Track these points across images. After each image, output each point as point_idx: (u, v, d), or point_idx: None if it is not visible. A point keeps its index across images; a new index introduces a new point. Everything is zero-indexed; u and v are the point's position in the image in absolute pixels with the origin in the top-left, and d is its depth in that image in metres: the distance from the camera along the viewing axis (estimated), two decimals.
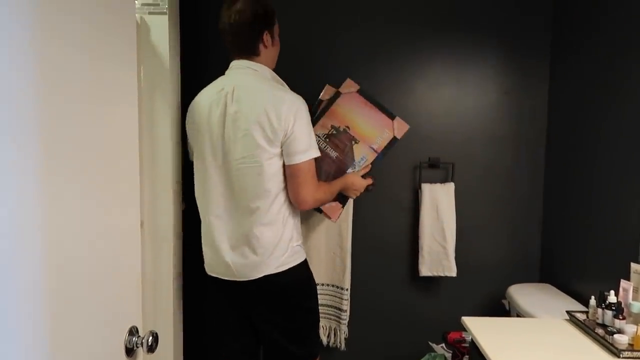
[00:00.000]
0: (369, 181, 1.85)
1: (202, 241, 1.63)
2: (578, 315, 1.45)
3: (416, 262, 2.11)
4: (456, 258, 2.06)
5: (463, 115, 2.14)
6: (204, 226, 1.62)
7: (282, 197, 1.53)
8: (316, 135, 1.70)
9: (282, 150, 1.49)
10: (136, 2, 1.63)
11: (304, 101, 1.53)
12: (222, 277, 1.59)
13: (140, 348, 1.01)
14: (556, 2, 2.08)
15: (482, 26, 2.10)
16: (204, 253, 1.64)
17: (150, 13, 1.66)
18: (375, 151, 1.86)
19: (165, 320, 1.79)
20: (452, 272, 2.06)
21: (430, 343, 2.02)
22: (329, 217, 1.88)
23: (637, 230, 1.47)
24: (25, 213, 0.68)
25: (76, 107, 0.80)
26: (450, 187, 2.08)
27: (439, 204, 2.06)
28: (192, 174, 1.65)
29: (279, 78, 1.63)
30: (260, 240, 1.51)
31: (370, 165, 1.86)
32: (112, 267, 0.95)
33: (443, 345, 1.99)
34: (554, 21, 2.09)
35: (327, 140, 1.84)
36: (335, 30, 2.12)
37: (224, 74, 1.60)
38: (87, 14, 0.83)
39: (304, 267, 1.62)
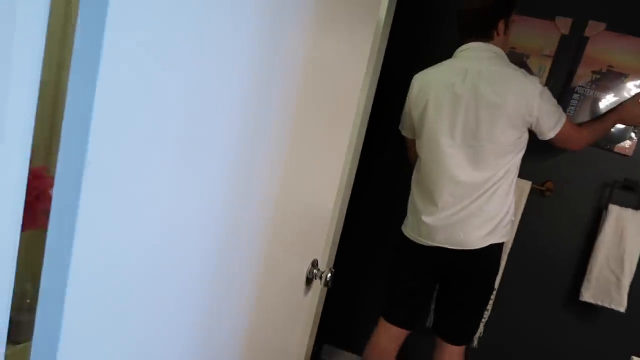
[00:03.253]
0: None
1: None
2: None
3: (578, 284, 1.95)
4: (629, 293, 1.86)
5: None
6: (418, 191, 1.71)
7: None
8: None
9: (529, 130, 1.58)
10: None
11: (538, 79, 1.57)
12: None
13: (318, 280, 1.13)
14: None
15: None
16: None
17: None
18: (550, 56, 1.93)
19: (322, 262, 1.93)
20: (621, 306, 1.86)
21: None
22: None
23: None
24: (276, 153, 0.80)
25: (324, 82, 0.89)
26: None
27: (625, 230, 1.86)
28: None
29: None
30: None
31: None
32: (313, 204, 1.06)
33: None
34: None
35: None
36: None
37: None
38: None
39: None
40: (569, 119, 1.61)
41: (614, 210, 1.88)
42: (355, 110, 1.13)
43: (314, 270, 1.12)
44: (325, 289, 2.12)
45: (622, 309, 1.86)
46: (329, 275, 1.10)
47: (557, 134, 1.58)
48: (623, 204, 1.90)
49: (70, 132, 0.43)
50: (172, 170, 0.56)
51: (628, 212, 1.87)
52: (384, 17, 1.75)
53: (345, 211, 2.01)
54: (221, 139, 0.64)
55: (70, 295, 0.45)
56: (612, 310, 1.90)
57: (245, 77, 0.65)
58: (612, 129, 1.86)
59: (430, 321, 2.11)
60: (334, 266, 2.14)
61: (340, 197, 1.88)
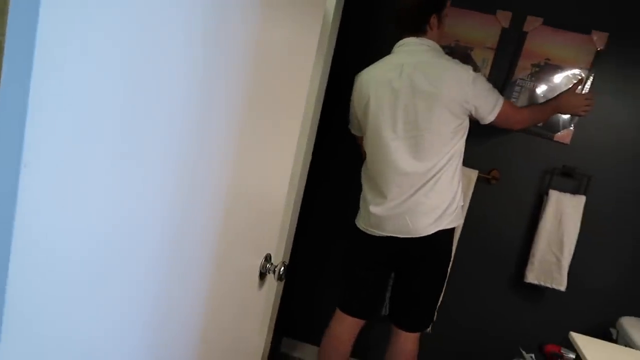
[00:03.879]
0: (587, 96, 1.84)
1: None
2: None
3: (523, 267, 2.05)
4: (569, 273, 1.97)
5: (617, 128, 1.98)
6: (367, 184, 1.76)
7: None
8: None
9: (469, 117, 1.64)
10: None
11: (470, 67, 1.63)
12: None
13: (271, 275, 1.13)
14: None
15: None
16: None
17: None
18: (492, 48, 2.02)
19: (278, 256, 1.94)
20: (562, 286, 1.98)
21: (521, 349, 1.98)
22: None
23: None
24: (225, 147, 0.79)
25: (271, 75, 0.89)
26: (580, 200, 1.97)
27: (563, 214, 1.97)
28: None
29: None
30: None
31: (582, 80, 1.90)
32: (264, 198, 1.06)
33: (533, 355, 1.94)
34: None
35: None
36: None
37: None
38: None
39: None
40: (508, 101, 1.69)
41: (553, 195, 1.98)
42: (304, 103, 1.14)
43: (267, 265, 1.12)
44: (283, 283, 2.12)
45: (563, 288, 1.98)
46: (282, 269, 1.11)
47: (497, 117, 1.65)
48: (562, 189, 2.01)
49: (5, 131, 0.41)
50: (112, 167, 0.55)
51: (566, 197, 1.98)
52: (332, 13, 1.76)
53: (299, 206, 2.02)
54: (164, 134, 0.63)
55: (9, 297, 0.44)
56: (554, 289, 2.01)
57: (188, 68, 0.64)
58: (556, 120, 1.98)
59: (385, 310, 2.16)
60: (291, 260, 2.15)
61: (294, 192, 1.89)
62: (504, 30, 2.03)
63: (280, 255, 1.87)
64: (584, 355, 1.26)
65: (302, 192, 2.01)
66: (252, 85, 0.83)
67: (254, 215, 1.02)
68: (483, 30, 2.04)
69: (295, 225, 2.03)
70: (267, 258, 1.14)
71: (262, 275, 1.13)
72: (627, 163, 1.98)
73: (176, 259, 0.74)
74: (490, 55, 2.05)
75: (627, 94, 1.95)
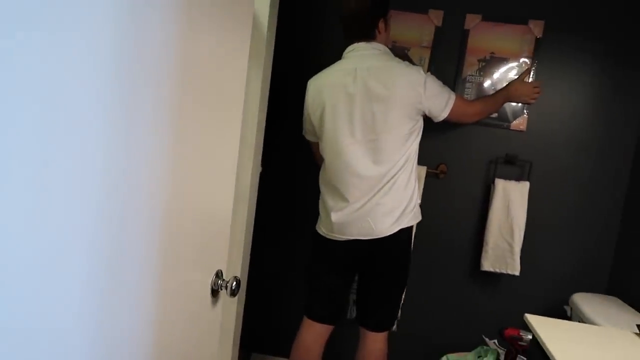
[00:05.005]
0: (535, 84, 1.92)
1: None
2: None
3: (479, 256, 2.10)
4: (521, 257, 2.04)
5: (548, 114, 2.07)
6: (326, 189, 1.76)
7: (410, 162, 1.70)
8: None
9: (424, 115, 1.68)
10: None
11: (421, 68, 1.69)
12: None
13: (224, 290, 1.11)
14: None
15: (583, 24, 2.02)
16: None
17: None
18: (428, 47, 2.07)
19: (235, 270, 1.90)
20: (516, 270, 2.04)
21: (483, 337, 2.03)
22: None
23: None
24: (156, 167, 0.77)
25: (200, 78, 0.87)
26: (524, 185, 2.04)
27: (510, 201, 2.04)
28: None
29: None
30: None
31: (531, 69, 1.99)
32: (209, 212, 1.04)
33: (496, 341, 1.98)
34: None
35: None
36: None
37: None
38: None
39: None
40: (459, 97, 1.74)
41: (499, 183, 2.05)
42: (240, 112, 1.12)
43: (219, 281, 1.10)
44: (244, 297, 2.08)
45: (517, 273, 2.04)
46: (234, 284, 1.08)
47: (450, 113, 1.69)
48: (507, 177, 2.08)
49: None
50: (26, 188, 0.52)
51: (511, 184, 2.04)
52: (266, 23, 1.76)
53: (254, 217, 1.99)
54: (82, 150, 0.60)
55: None
56: (509, 275, 2.07)
57: (105, 75, 0.62)
58: (508, 109, 2.07)
59: (351, 313, 2.16)
60: (252, 273, 2.12)
61: (245, 203, 1.86)
62: (437, 28, 2.09)
63: (235, 270, 1.83)
64: (538, 335, 1.30)
65: (254, 203, 1.98)
66: (180, 97, 0.81)
67: (199, 232, 0.99)
68: (417, 30, 2.10)
69: (250, 237, 2.00)
70: (218, 274, 1.11)
71: (215, 292, 1.10)
72: (569, 146, 2.07)
73: (113, 289, 0.71)
74: (426, 54, 2.10)
75: (566, 79, 2.05)
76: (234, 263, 1.89)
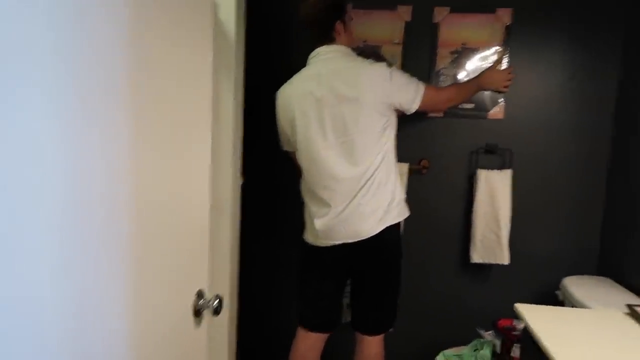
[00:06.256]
0: (508, 71, 1.94)
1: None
2: (639, 309, 1.40)
3: (468, 248, 2.10)
4: (510, 247, 2.04)
5: (524, 100, 2.08)
6: (308, 197, 1.75)
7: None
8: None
9: (396, 111, 1.67)
10: None
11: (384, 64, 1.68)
12: None
13: (207, 310, 1.08)
14: None
15: (550, 7, 2.02)
16: None
17: None
18: (399, 44, 2.07)
19: (223, 287, 1.87)
20: (505, 260, 2.03)
21: (478, 330, 2.02)
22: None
23: None
24: (117, 179, 0.74)
25: (160, 82, 0.85)
26: (507, 174, 2.04)
27: (494, 191, 2.03)
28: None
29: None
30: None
31: (502, 57, 2.00)
32: (185, 232, 1.01)
33: (492, 332, 1.98)
34: (630, 5, 1.97)
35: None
36: None
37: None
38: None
39: None
40: (428, 86, 1.73)
41: (482, 174, 2.05)
42: (209, 124, 1.10)
43: (201, 301, 1.07)
44: (241, 312, 2.06)
45: (507, 262, 2.04)
46: (216, 303, 1.06)
47: (421, 103, 1.68)
48: (489, 166, 2.08)
49: None
50: None
51: (494, 174, 2.04)
52: (234, 35, 1.74)
53: (238, 231, 1.97)
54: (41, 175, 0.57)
55: None
56: (499, 265, 2.06)
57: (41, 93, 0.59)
58: (485, 98, 2.08)
59: (346, 318, 2.15)
60: (243, 288, 2.09)
61: (227, 218, 1.84)
62: (407, 23, 2.08)
63: (222, 287, 1.81)
64: (528, 324, 1.29)
65: (238, 216, 1.95)
66: (144, 110, 0.79)
67: (175, 252, 0.97)
68: (388, 28, 2.09)
69: (237, 251, 1.98)
70: (200, 294, 1.08)
71: (198, 313, 1.08)
72: (545, 132, 2.08)
73: (89, 318, 0.69)
74: (398, 50, 2.09)
75: (539, 64, 2.05)
76: (221, 279, 1.87)
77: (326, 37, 1.68)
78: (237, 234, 1.95)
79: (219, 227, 1.87)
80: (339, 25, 1.68)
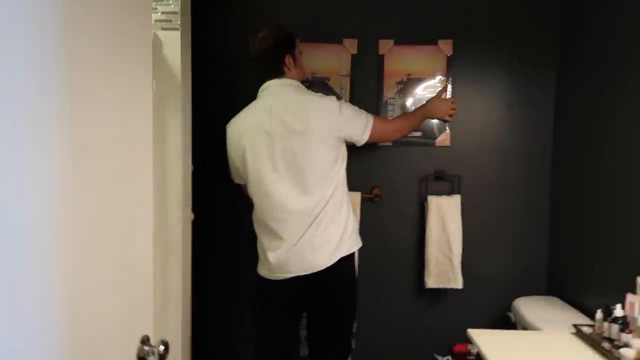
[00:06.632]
0: (452, 100, 2.00)
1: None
2: (584, 329, 1.45)
3: (422, 274, 2.12)
4: (462, 270, 2.07)
5: (468, 127, 2.16)
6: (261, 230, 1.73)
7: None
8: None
9: (345, 143, 1.69)
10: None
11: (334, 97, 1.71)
12: None
13: (152, 357, 1.04)
14: (564, 17, 2.10)
15: (489, 39, 2.13)
16: None
17: (163, 29, 1.70)
18: (347, 75, 2.13)
19: (175, 329, 1.81)
20: (458, 284, 2.07)
21: (435, 355, 2.03)
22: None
23: None
24: (46, 219, 0.71)
25: (96, 115, 0.83)
26: (456, 199, 2.10)
27: (445, 216, 2.08)
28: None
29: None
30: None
31: (447, 87, 2.08)
32: (125, 276, 0.97)
33: (449, 357, 1.99)
34: (562, 36, 2.11)
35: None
36: None
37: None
38: (107, 28, 0.86)
39: None
40: (377, 117, 1.78)
41: (432, 200, 2.09)
42: (150, 159, 1.07)
43: (146, 348, 1.02)
44: (199, 355, 1.98)
45: (460, 286, 2.07)
46: (162, 348, 1.02)
47: (370, 135, 1.71)
48: (439, 192, 2.13)
49: None
50: None
51: (444, 199, 2.09)
52: (180, 70, 1.74)
53: (190, 269, 1.91)
54: None
55: None
56: (453, 289, 2.09)
57: None
58: (431, 126, 2.14)
59: (303, 350, 2.11)
60: (198, 330, 2.02)
61: (178, 257, 1.79)
62: (354, 56, 2.14)
63: (173, 330, 1.74)
64: (480, 349, 1.31)
65: (189, 254, 1.91)
66: (76, 151, 0.76)
67: (117, 298, 0.93)
68: (335, 60, 2.14)
69: (189, 289, 1.92)
70: (144, 340, 1.04)
71: None
72: (489, 157, 2.15)
73: None
74: (346, 82, 2.14)
75: (480, 92, 2.15)
76: (172, 322, 1.81)
77: (276, 71, 1.70)
78: (188, 271, 1.90)
79: (168, 266, 1.82)
80: (288, 59, 1.70)
